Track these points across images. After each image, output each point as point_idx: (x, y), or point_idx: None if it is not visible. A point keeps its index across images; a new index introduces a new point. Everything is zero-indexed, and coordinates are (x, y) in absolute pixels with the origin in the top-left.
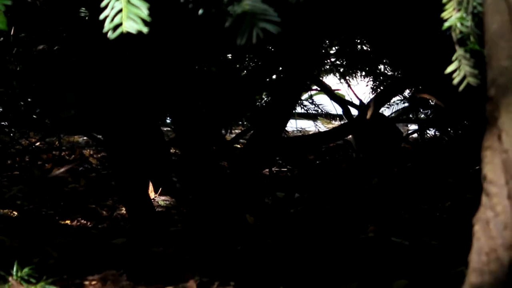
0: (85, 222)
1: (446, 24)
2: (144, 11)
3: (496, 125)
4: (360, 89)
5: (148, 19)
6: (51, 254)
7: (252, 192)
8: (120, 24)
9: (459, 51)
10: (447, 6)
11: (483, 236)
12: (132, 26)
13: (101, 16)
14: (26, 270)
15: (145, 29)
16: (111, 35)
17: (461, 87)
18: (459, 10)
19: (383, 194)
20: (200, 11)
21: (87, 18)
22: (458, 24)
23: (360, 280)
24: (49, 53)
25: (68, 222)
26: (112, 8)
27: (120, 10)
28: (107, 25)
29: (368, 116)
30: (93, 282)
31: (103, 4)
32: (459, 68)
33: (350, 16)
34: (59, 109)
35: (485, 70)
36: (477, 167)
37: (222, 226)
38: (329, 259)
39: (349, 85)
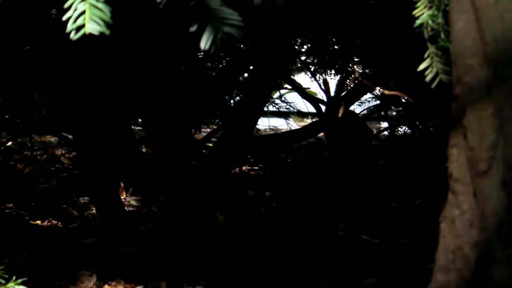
0: (56, 222)
1: (418, 22)
2: (107, 14)
3: (461, 123)
4: (331, 87)
5: (110, 21)
6: (21, 255)
7: (222, 190)
8: (83, 26)
9: (431, 48)
10: (418, 4)
11: (449, 234)
12: (94, 28)
13: (64, 17)
14: None
15: (107, 31)
16: (73, 36)
17: (434, 84)
18: (430, 7)
19: (354, 192)
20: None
21: (57, 19)
22: (430, 22)
23: (330, 278)
24: (19, 53)
25: (39, 222)
26: (75, 10)
27: (83, 12)
28: (70, 26)
29: (339, 114)
30: (63, 282)
31: (66, 4)
32: (431, 65)
33: (320, 14)
34: (31, 109)
35: None
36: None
37: (193, 225)
38: (299, 258)
39: (319, 84)
